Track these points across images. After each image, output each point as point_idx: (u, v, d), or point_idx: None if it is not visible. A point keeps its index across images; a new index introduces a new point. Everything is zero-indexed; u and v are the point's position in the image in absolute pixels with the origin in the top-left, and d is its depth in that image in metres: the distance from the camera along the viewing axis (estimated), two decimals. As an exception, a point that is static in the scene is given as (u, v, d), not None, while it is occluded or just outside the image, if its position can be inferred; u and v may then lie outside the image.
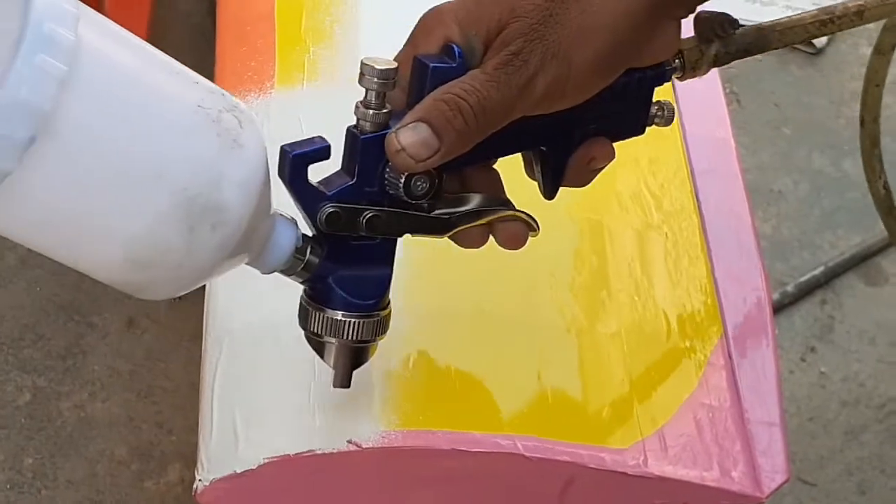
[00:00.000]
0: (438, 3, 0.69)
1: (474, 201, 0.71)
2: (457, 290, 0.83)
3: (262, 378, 0.80)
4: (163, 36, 1.76)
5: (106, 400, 1.45)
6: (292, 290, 0.82)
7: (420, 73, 0.67)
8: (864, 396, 1.52)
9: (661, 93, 0.98)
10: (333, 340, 0.71)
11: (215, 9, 1.76)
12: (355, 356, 0.72)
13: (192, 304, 1.52)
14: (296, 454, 0.76)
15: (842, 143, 1.79)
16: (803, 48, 1.89)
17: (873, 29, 1.91)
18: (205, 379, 0.81)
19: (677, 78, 0.76)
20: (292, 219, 0.70)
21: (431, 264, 0.83)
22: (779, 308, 1.57)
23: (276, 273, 0.71)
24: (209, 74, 1.65)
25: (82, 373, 1.47)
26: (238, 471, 0.76)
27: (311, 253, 0.69)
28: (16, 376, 1.46)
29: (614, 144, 0.75)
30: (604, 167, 0.75)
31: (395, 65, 0.67)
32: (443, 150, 0.66)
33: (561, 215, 0.88)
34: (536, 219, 0.73)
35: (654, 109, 0.75)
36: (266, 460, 0.76)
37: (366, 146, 0.67)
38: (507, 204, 0.73)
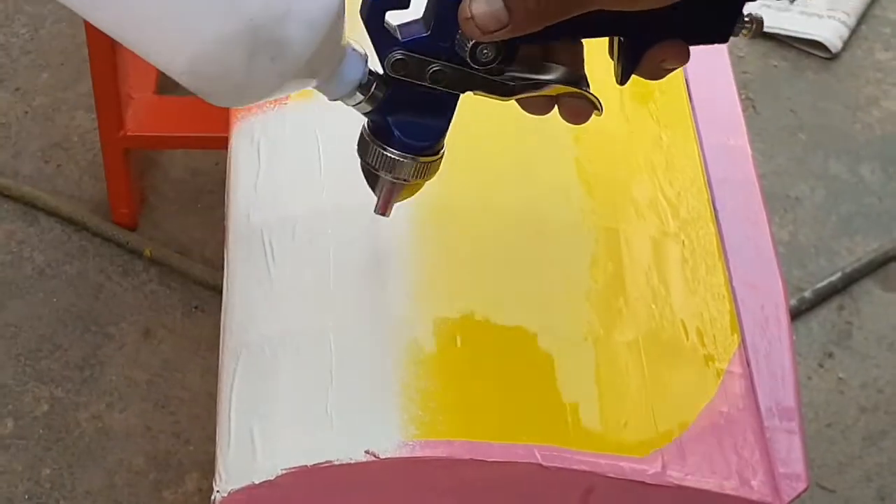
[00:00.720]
0: None
1: (548, 72, 0.72)
2: (473, 298, 0.83)
3: (279, 389, 0.79)
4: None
5: (123, 410, 1.46)
6: (307, 302, 0.82)
7: None
8: (883, 402, 1.52)
9: (673, 95, 0.98)
10: (385, 175, 0.74)
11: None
12: (401, 191, 0.75)
13: (208, 315, 1.54)
14: (313, 465, 0.76)
15: (858, 149, 1.78)
16: (819, 53, 1.89)
17: (889, 34, 1.91)
18: (222, 390, 0.81)
19: None
20: (364, 53, 0.72)
21: (448, 269, 0.83)
22: (796, 314, 1.56)
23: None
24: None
25: (100, 383, 1.47)
26: (256, 482, 0.76)
27: (375, 89, 0.72)
28: (33, 387, 1.47)
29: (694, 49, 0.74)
30: (676, 69, 0.75)
31: None
32: (511, 26, 0.67)
33: (577, 223, 0.88)
34: (601, 101, 0.74)
35: (742, 20, 0.73)
36: (284, 471, 0.76)
37: (445, 3, 0.69)
38: (581, 80, 0.74)
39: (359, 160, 0.76)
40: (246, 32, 0.65)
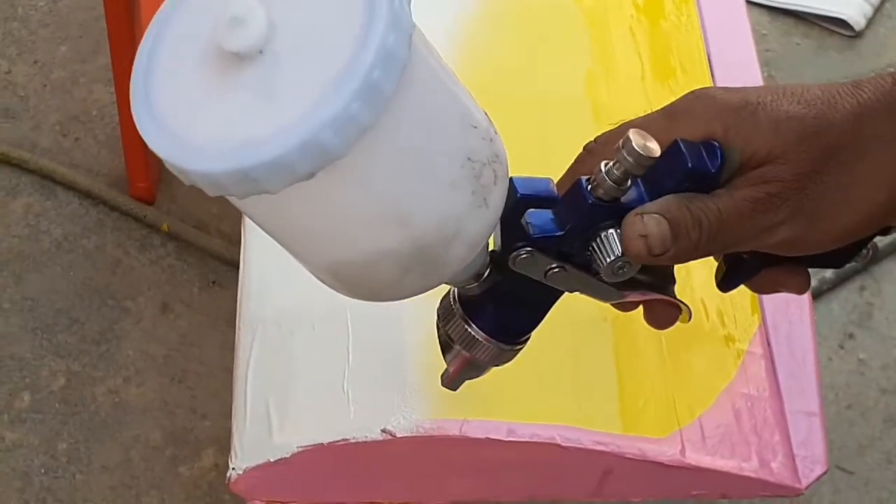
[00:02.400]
0: (707, 88, 0.66)
1: (640, 277, 0.67)
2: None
3: (295, 367, 0.79)
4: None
5: (140, 385, 1.45)
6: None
7: (675, 159, 0.63)
8: (904, 384, 1.51)
9: (696, 73, 0.97)
10: (461, 350, 0.68)
11: None
12: (473, 370, 0.70)
13: (225, 289, 1.53)
14: (329, 443, 0.75)
15: (881, 128, 1.77)
16: (842, 31, 1.87)
17: (913, 12, 1.89)
18: (238, 367, 0.81)
19: None
20: (488, 250, 0.65)
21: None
22: (817, 295, 1.55)
23: None
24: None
25: (116, 358, 1.47)
26: (272, 459, 0.75)
27: (488, 276, 0.66)
28: (50, 361, 1.47)
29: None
30: (790, 293, 0.70)
31: (656, 153, 0.62)
32: (671, 253, 0.63)
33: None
34: (691, 308, 0.69)
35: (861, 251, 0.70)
36: (300, 449, 0.75)
37: (592, 210, 0.64)
38: (669, 284, 0.69)
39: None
40: (409, 252, 0.59)
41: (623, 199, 0.63)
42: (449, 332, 0.68)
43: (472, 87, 0.90)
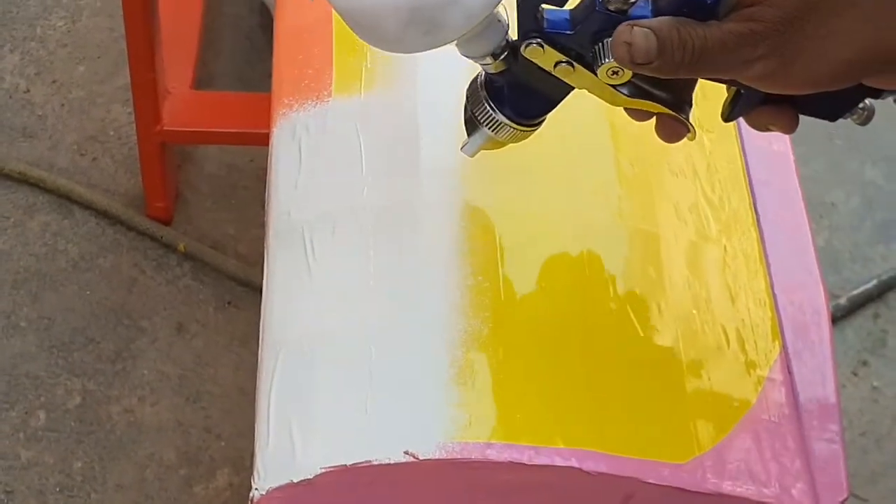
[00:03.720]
0: None
1: (660, 89, 0.77)
2: (514, 302, 0.83)
3: (318, 387, 0.79)
4: (213, 43, 1.77)
5: (155, 404, 1.46)
6: (347, 299, 0.82)
7: None
8: (918, 412, 1.51)
9: (716, 99, 0.97)
10: (486, 129, 0.80)
11: (264, 18, 1.77)
12: (491, 143, 0.82)
13: (241, 310, 1.54)
14: (352, 464, 0.76)
15: (894, 155, 1.77)
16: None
17: (928, 40, 1.90)
18: (261, 388, 0.81)
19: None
20: (506, 24, 0.77)
21: (489, 272, 0.83)
22: (831, 321, 1.55)
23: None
24: (260, 81, 1.66)
25: (132, 377, 1.48)
26: (295, 480, 0.76)
27: (505, 58, 0.77)
28: (65, 380, 1.47)
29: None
30: (779, 132, 0.79)
31: None
32: (654, 66, 0.71)
33: (616, 226, 0.87)
34: (694, 128, 0.78)
35: (857, 108, 0.78)
36: (323, 470, 0.76)
37: (600, 17, 0.73)
38: (685, 105, 0.78)
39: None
40: (407, 9, 0.72)
41: (630, 11, 0.72)
42: (475, 113, 0.80)
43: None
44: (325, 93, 0.93)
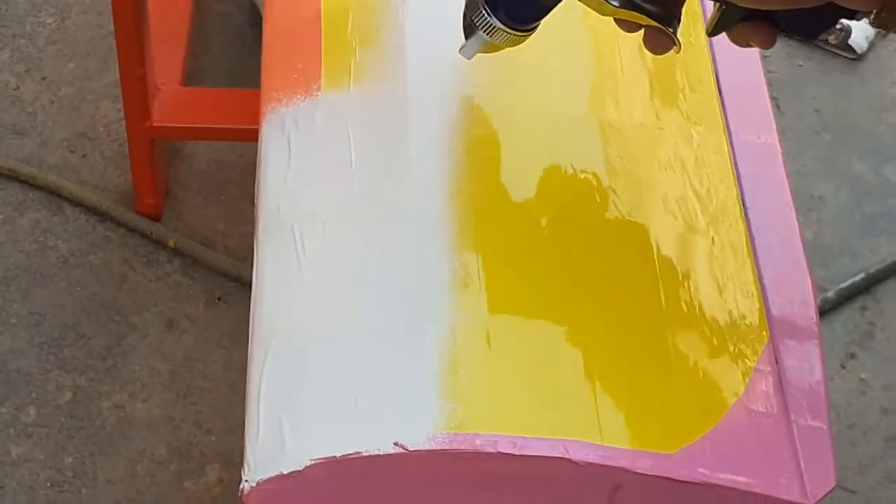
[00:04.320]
0: None
1: (650, 3, 0.81)
2: (504, 294, 0.83)
3: (308, 380, 0.80)
4: (202, 39, 1.77)
5: (146, 400, 1.46)
6: (337, 293, 0.83)
7: None
8: (905, 404, 1.51)
9: (704, 92, 0.97)
10: (483, 34, 0.84)
11: (253, 15, 1.78)
12: (487, 47, 0.86)
13: (231, 306, 1.54)
14: (342, 456, 0.76)
15: (882, 150, 1.78)
16: (844, 54, 1.88)
17: (915, 35, 1.91)
18: (251, 381, 0.81)
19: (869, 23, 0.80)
20: None
21: (478, 266, 0.83)
22: (819, 314, 1.56)
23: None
24: (250, 77, 1.66)
25: (122, 373, 1.48)
26: (284, 472, 0.76)
27: None
28: (56, 375, 1.47)
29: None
30: (758, 48, 0.82)
31: None
32: None
33: (606, 219, 0.88)
34: (679, 41, 0.82)
35: (835, 28, 0.84)
36: (313, 462, 0.76)
37: None
38: (673, 20, 0.82)
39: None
40: None
41: None
42: (473, 19, 0.84)
43: (476, 103, 0.92)
44: (314, 88, 0.94)
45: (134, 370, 1.48)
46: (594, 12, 0.82)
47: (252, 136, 0.96)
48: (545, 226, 0.87)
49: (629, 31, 0.83)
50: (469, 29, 0.86)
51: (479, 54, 0.87)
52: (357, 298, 0.82)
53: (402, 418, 0.77)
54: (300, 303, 0.83)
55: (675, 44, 0.82)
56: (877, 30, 0.81)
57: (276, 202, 0.88)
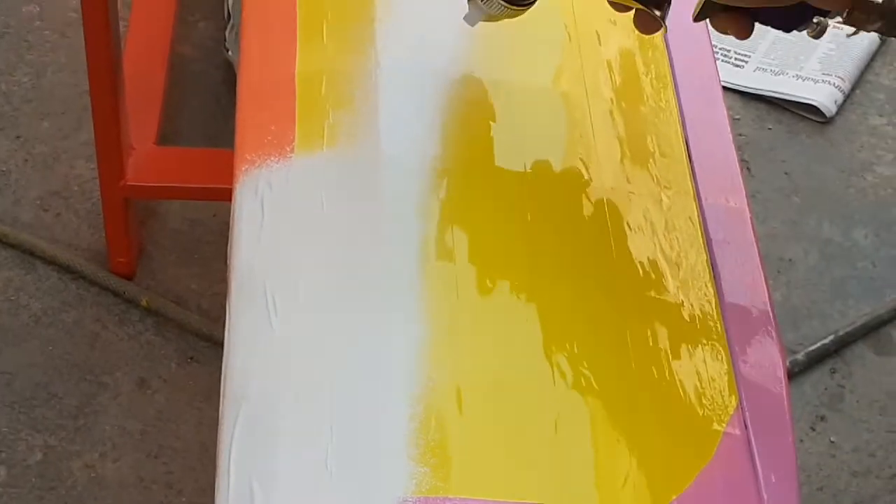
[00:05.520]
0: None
1: None
2: (477, 358, 0.83)
3: (278, 443, 0.80)
4: (178, 99, 1.77)
5: (117, 460, 1.45)
6: (308, 355, 0.83)
7: None
8: (875, 467, 1.52)
9: (674, 156, 0.98)
10: (482, 4, 0.89)
11: (229, 74, 1.78)
12: (488, 17, 0.91)
13: (203, 365, 1.54)
14: (313, 520, 0.76)
15: (851, 213, 1.80)
16: (813, 117, 1.90)
17: (883, 100, 1.93)
18: (221, 443, 0.81)
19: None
20: None
21: (452, 331, 0.84)
22: (788, 376, 1.57)
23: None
24: (225, 137, 1.66)
25: (94, 432, 1.47)
26: (255, 536, 0.76)
27: None
28: (27, 435, 1.47)
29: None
30: (736, 38, 0.87)
31: None
32: None
33: (577, 280, 0.88)
34: (665, 24, 0.88)
35: (812, 24, 0.85)
36: (283, 525, 0.76)
37: None
38: (662, 3, 0.87)
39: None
40: None
41: None
42: None
43: (449, 166, 0.93)
44: (288, 149, 0.94)
45: (105, 430, 1.48)
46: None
47: (226, 196, 0.96)
48: (518, 291, 0.87)
49: (620, 11, 0.89)
50: None
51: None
52: (328, 361, 0.83)
53: (372, 483, 0.77)
54: (271, 364, 0.83)
55: (661, 26, 0.88)
56: (849, 27, 0.84)
57: (248, 263, 0.89)
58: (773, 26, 0.86)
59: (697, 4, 0.85)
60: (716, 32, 0.89)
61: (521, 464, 0.79)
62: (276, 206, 0.91)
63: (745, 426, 0.84)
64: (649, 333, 0.88)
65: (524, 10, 0.90)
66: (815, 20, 0.85)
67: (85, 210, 1.67)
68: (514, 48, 1.00)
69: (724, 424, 0.84)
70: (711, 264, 0.93)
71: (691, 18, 0.86)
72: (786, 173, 1.84)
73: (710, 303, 0.90)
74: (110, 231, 1.60)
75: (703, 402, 0.85)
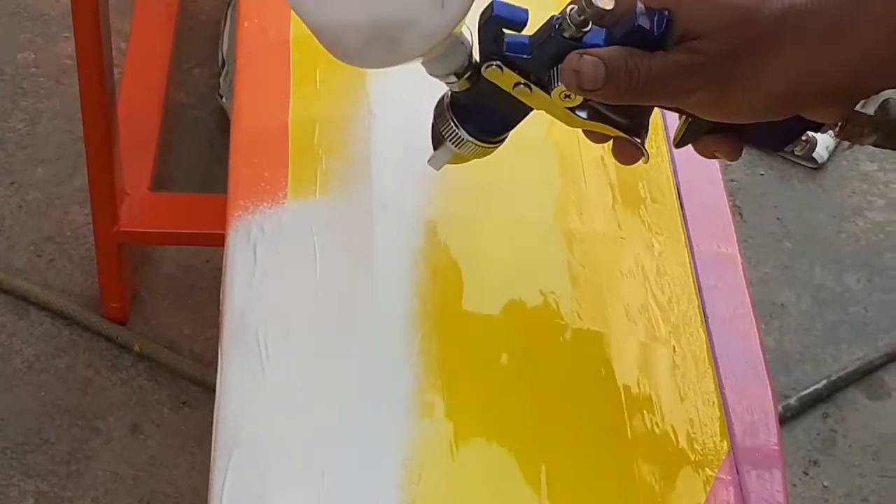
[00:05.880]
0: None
1: (617, 115, 0.81)
2: (466, 410, 0.84)
3: (270, 489, 0.80)
4: (172, 145, 1.78)
5: (109, 506, 1.45)
6: (300, 401, 0.83)
7: (630, 18, 0.76)
8: (868, 511, 1.52)
9: (665, 202, 0.99)
10: (450, 145, 0.85)
11: (223, 120, 1.79)
12: (455, 158, 0.86)
13: (195, 410, 1.54)
14: (304, 568, 0.76)
15: (843, 258, 1.80)
16: (805, 163, 1.91)
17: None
18: (213, 489, 0.81)
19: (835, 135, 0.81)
20: (470, 45, 0.81)
21: (440, 378, 0.84)
22: (781, 421, 1.57)
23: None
24: (219, 182, 1.67)
25: (86, 478, 1.47)
26: (247, 582, 0.76)
27: (468, 78, 0.82)
28: (19, 481, 1.46)
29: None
30: (725, 160, 0.83)
31: (609, 6, 0.75)
32: (600, 93, 0.76)
33: (567, 327, 0.88)
34: (648, 152, 0.82)
35: (801, 139, 0.82)
36: (275, 572, 0.76)
37: (556, 43, 0.78)
38: (641, 130, 0.82)
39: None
40: (366, 26, 0.77)
41: (584, 38, 0.77)
42: (441, 130, 0.85)
43: (441, 213, 0.93)
44: (281, 195, 0.95)
45: (97, 475, 1.47)
46: (562, 124, 0.83)
47: (219, 241, 0.97)
48: (504, 331, 0.87)
49: (598, 141, 0.84)
50: (437, 140, 0.86)
51: (447, 165, 0.87)
52: (320, 406, 0.83)
53: (364, 528, 0.77)
54: (263, 410, 0.83)
55: (643, 154, 0.83)
56: (841, 141, 0.82)
57: (241, 308, 0.89)
58: (763, 146, 0.83)
59: (678, 129, 0.82)
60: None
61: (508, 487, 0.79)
62: (268, 251, 0.91)
63: (737, 471, 0.84)
64: (641, 379, 0.88)
65: (495, 149, 0.86)
66: (803, 137, 0.82)
67: (78, 255, 1.68)
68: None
69: (715, 470, 0.84)
70: (703, 310, 0.93)
71: (672, 144, 0.83)
72: (778, 218, 1.84)
73: (701, 348, 0.91)
74: (104, 276, 1.60)
75: (695, 447, 0.85)
